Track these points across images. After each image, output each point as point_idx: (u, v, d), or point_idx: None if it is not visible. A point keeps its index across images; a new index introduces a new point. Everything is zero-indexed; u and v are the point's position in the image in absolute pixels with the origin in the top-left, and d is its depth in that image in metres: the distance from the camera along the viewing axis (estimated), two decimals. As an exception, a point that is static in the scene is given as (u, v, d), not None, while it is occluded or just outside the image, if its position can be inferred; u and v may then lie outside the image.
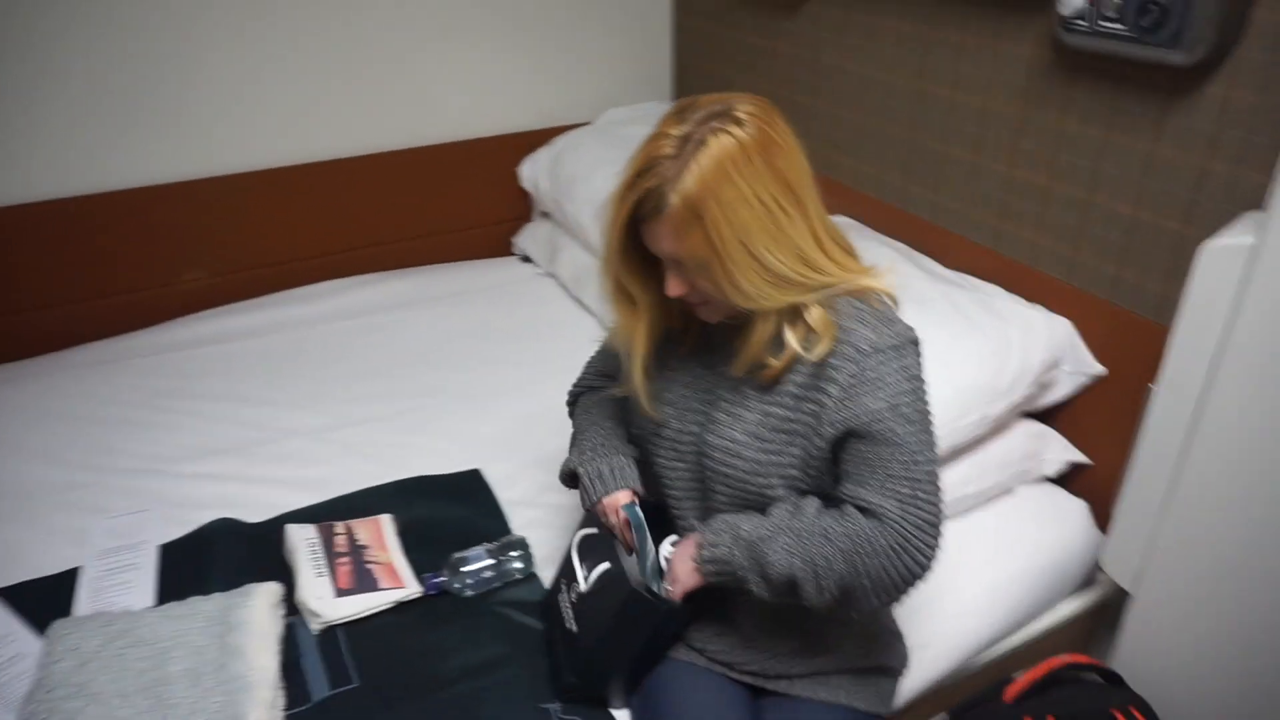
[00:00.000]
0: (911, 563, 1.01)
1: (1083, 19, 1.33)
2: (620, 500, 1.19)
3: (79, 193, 1.99)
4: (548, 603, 1.35)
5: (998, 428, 1.50)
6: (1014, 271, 1.64)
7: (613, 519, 1.21)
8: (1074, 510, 1.55)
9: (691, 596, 1.14)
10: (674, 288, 1.03)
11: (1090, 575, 1.55)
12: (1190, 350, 1.18)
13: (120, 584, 1.40)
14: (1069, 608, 1.52)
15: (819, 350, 1.03)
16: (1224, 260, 1.12)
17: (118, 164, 2.01)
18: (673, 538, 1.21)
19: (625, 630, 1.15)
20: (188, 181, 2.08)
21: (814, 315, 1.04)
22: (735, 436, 1.09)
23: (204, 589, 1.35)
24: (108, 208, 2.02)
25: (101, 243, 2.04)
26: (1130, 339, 1.46)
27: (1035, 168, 1.57)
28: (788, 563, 1.02)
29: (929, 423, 1.05)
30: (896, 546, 1.00)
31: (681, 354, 1.18)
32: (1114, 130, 1.42)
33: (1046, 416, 1.62)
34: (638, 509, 1.18)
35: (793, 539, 1.03)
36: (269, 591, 1.32)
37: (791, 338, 1.04)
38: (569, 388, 1.39)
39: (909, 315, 1.08)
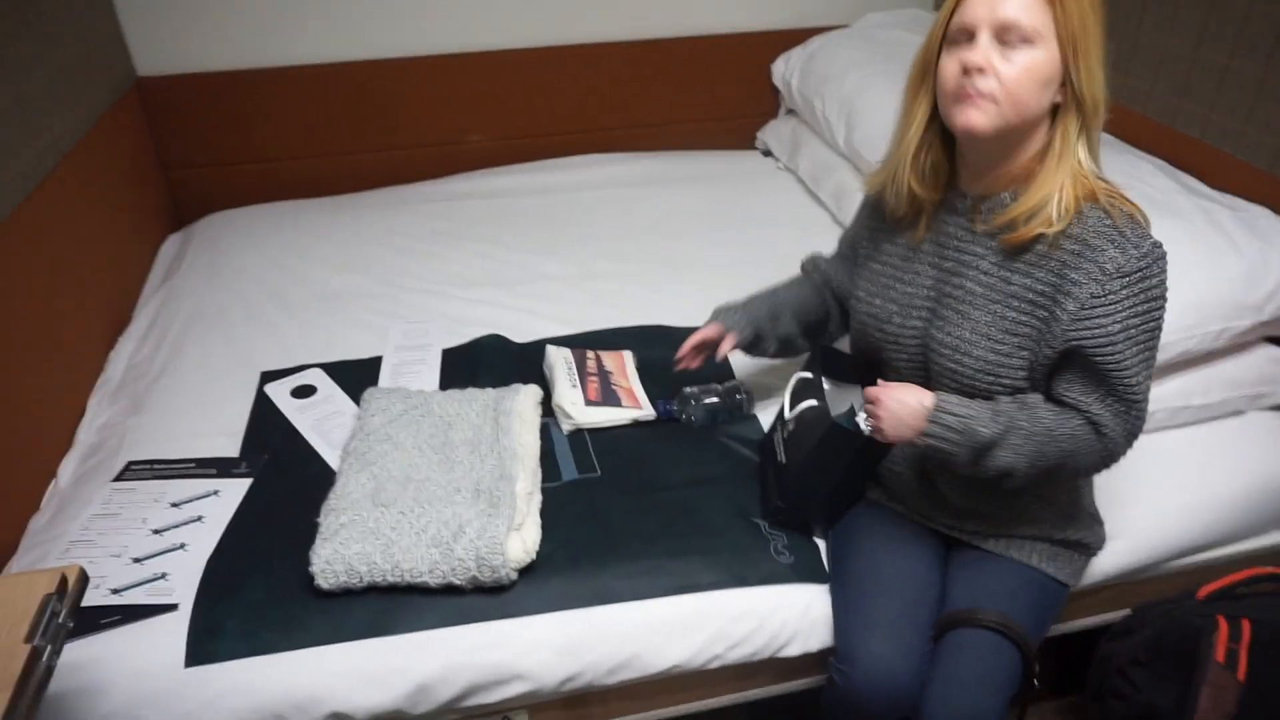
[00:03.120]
0: (1109, 462, 1.16)
1: None
2: (708, 332, 1.45)
3: (392, 55, 2.30)
4: (764, 440, 1.51)
5: (1238, 345, 1.49)
6: (1219, 161, 1.58)
7: (689, 341, 1.45)
8: (1307, 442, 1.51)
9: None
10: (978, 55, 1.03)
11: (1314, 512, 1.52)
12: None
13: (412, 373, 1.70)
14: (1277, 538, 1.51)
15: (1055, 229, 1.07)
16: None
17: (422, 31, 2.30)
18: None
19: (825, 458, 1.27)
20: (475, 53, 2.35)
21: (1069, 194, 1.07)
22: (964, 335, 1.16)
23: (476, 384, 1.62)
24: (412, 71, 2.33)
25: (406, 100, 2.36)
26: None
27: (1254, 56, 1.49)
28: (1012, 460, 1.12)
29: (1155, 341, 1.10)
30: (1107, 453, 1.13)
31: (910, 243, 1.24)
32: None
33: (1295, 345, 1.57)
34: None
35: (1022, 440, 1.11)
36: (532, 391, 1.57)
37: (1055, 207, 1.07)
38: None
39: (1162, 228, 1.09)
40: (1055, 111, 1.09)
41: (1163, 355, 1.41)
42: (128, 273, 2.04)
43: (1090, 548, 1.32)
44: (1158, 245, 1.07)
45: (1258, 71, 1.62)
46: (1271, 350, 1.54)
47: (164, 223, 2.28)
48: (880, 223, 1.30)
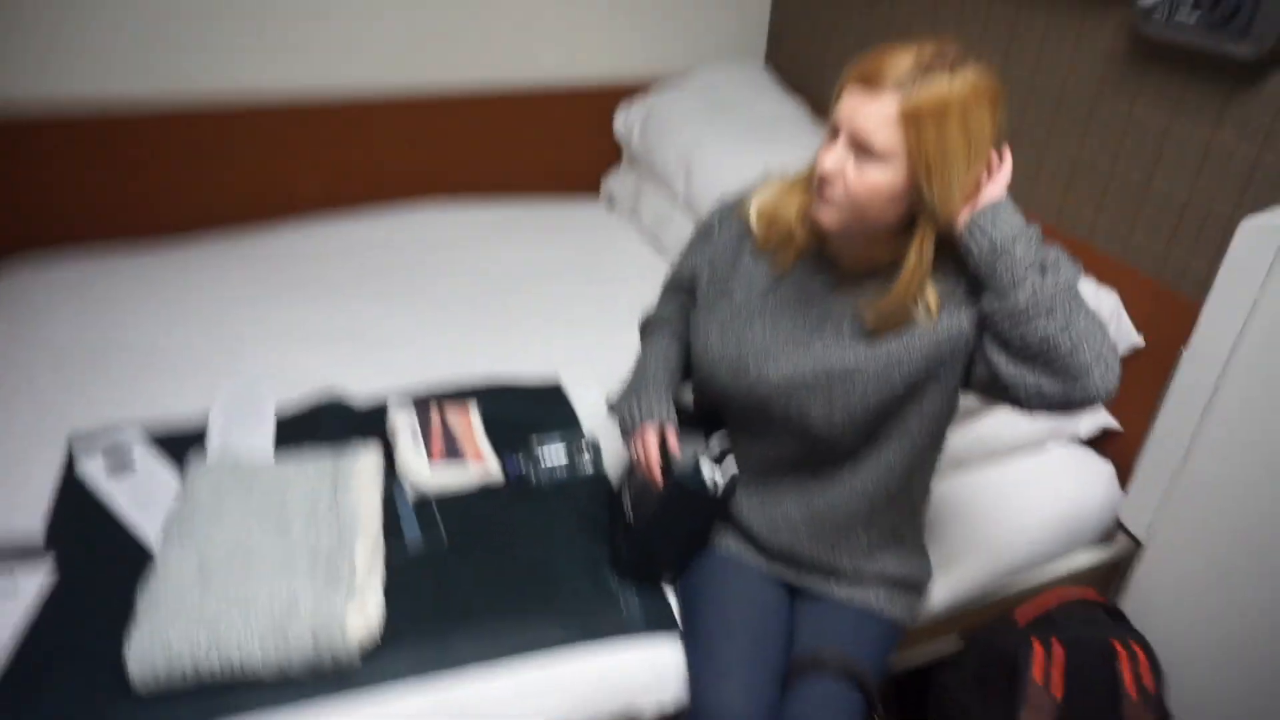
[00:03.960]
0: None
1: (1158, 11, 1.44)
2: (648, 433, 1.28)
3: (211, 99, 2.19)
4: (612, 497, 1.52)
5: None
6: (1071, 246, 1.71)
7: (635, 446, 1.30)
8: (1100, 471, 1.66)
9: (733, 490, 1.28)
10: (830, 160, 1.07)
11: (1110, 533, 1.67)
12: (1220, 318, 1.29)
13: (243, 436, 1.60)
14: (1084, 558, 1.65)
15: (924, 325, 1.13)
16: (1259, 237, 1.23)
17: (242, 75, 2.21)
18: (718, 435, 1.33)
19: (669, 515, 1.29)
20: (303, 104, 2.27)
21: (932, 301, 1.12)
22: (851, 361, 1.16)
23: (315, 448, 1.55)
24: (237, 121, 2.22)
25: (231, 149, 2.25)
26: (1172, 315, 1.56)
27: (1102, 149, 1.67)
28: (1074, 275, 1.09)
29: None
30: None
31: (770, 278, 1.23)
32: (1178, 117, 1.52)
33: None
34: (665, 444, 1.29)
35: (1070, 266, 1.10)
36: (373, 454, 1.52)
37: (920, 312, 1.13)
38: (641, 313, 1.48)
39: None
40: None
41: (971, 400, 1.52)
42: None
43: (923, 585, 1.39)
44: None
45: (1041, 135, 1.80)
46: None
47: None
48: (728, 261, 1.28)
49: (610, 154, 2.68)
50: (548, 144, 2.60)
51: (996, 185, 1.10)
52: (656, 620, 1.33)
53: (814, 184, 1.12)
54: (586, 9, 2.48)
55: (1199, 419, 1.35)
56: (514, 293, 2.13)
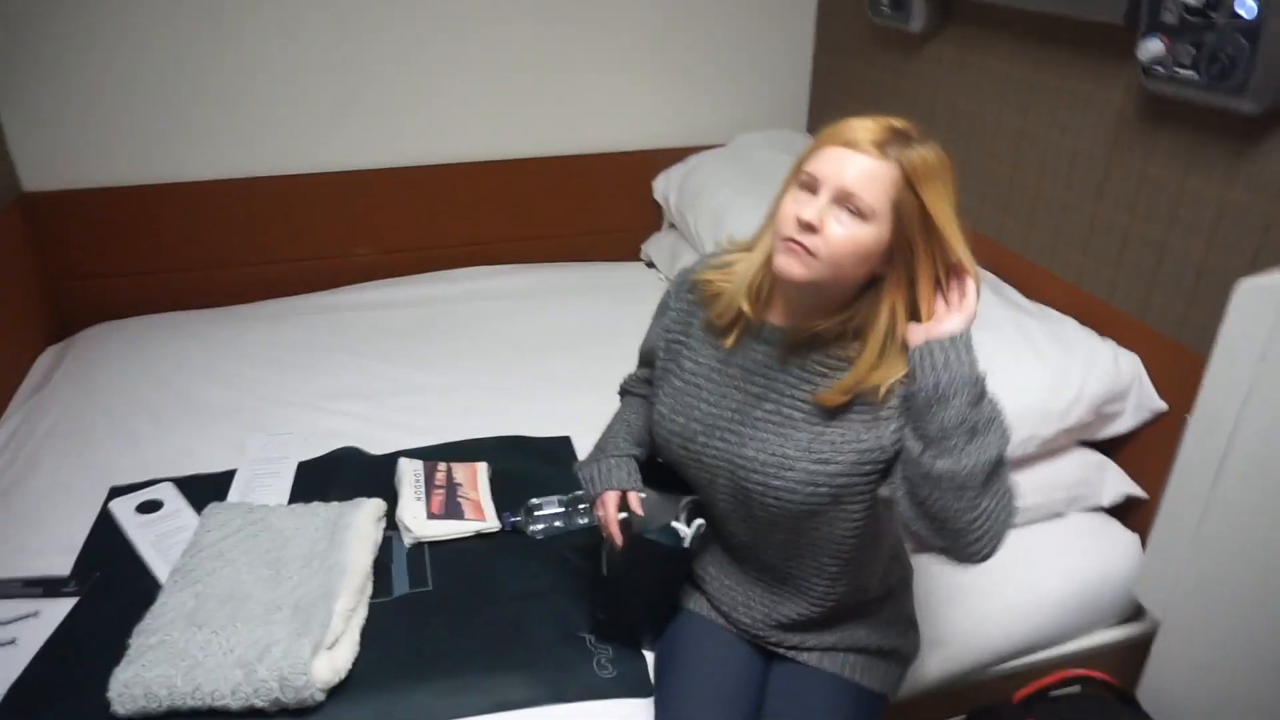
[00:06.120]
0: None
1: (1161, 65, 1.39)
2: (607, 499, 1.29)
3: (280, 172, 2.38)
4: (596, 554, 1.53)
5: (1049, 450, 1.55)
6: (1091, 306, 1.68)
7: (598, 512, 1.31)
8: (1124, 542, 1.56)
9: (699, 542, 1.27)
10: (812, 210, 1.04)
11: (1135, 610, 1.56)
12: (1224, 382, 1.21)
13: (263, 486, 1.69)
14: (1104, 637, 1.54)
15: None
16: (1258, 298, 1.16)
17: (308, 151, 2.39)
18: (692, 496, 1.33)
19: (633, 568, 1.30)
20: (364, 170, 2.43)
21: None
22: (787, 451, 1.15)
23: (325, 498, 1.62)
24: (301, 187, 2.40)
25: (295, 215, 2.42)
26: (1196, 377, 1.47)
27: (1118, 208, 1.62)
28: (996, 414, 1.05)
29: None
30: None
31: (717, 356, 1.24)
32: (1191, 174, 1.46)
33: (1110, 449, 1.64)
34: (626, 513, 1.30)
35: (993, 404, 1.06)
36: (374, 505, 1.58)
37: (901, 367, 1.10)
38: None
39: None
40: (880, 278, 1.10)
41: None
42: (-4, 385, 2.02)
43: (905, 656, 1.33)
44: None
45: (1060, 194, 1.75)
46: (1085, 453, 1.61)
47: (44, 335, 2.28)
48: (680, 335, 1.29)
49: (651, 218, 2.74)
50: (593, 208, 2.68)
51: (961, 316, 1.06)
52: (630, 684, 1.32)
53: (778, 236, 1.09)
54: (632, 84, 2.57)
55: (1209, 488, 1.26)
56: (547, 354, 2.18)
